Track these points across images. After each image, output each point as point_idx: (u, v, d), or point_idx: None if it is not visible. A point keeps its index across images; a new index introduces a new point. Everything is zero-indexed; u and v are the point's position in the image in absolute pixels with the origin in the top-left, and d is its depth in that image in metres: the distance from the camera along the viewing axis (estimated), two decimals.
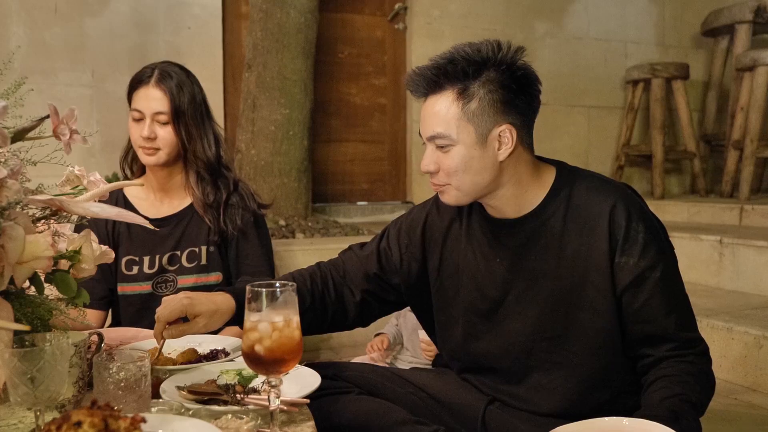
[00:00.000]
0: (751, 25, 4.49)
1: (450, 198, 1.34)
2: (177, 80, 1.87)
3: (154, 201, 1.95)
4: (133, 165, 1.98)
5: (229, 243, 1.94)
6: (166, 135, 1.84)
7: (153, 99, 1.83)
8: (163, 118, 1.84)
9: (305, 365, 1.31)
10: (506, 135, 1.27)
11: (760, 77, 4.02)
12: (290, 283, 1.02)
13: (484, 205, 1.39)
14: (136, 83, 1.87)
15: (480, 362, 1.45)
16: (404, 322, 2.67)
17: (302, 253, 3.08)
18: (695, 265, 3.32)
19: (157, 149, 1.84)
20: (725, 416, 2.28)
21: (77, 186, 1.17)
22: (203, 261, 1.92)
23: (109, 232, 1.90)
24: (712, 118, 4.91)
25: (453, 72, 1.26)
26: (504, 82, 1.26)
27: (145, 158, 1.86)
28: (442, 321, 1.51)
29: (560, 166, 1.39)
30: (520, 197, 1.34)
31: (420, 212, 1.53)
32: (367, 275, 1.52)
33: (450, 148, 1.28)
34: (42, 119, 1.10)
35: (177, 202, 1.94)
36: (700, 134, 4.90)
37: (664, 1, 5.02)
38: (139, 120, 1.85)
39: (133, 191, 1.96)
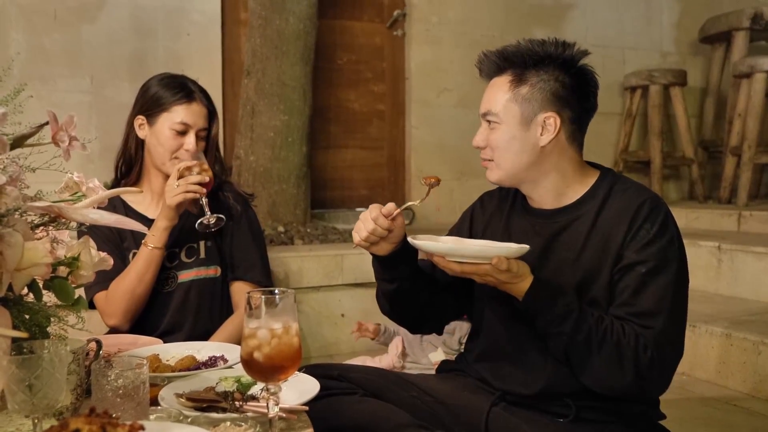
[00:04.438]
0: (749, 32, 4.51)
1: (492, 175, 1.45)
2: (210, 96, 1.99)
3: (150, 203, 1.98)
4: (122, 168, 2.00)
5: (224, 236, 1.97)
6: (202, 148, 1.94)
7: (202, 116, 1.93)
8: (204, 133, 1.94)
9: (306, 368, 1.32)
10: (550, 122, 1.38)
11: (757, 84, 4.03)
12: (289, 290, 1.02)
13: (527, 196, 1.48)
14: (179, 96, 1.91)
15: (496, 348, 1.49)
16: (405, 331, 2.67)
17: (301, 259, 3.08)
18: (693, 271, 3.29)
19: None
20: (724, 423, 2.28)
21: (76, 192, 1.17)
22: (202, 255, 1.97)
23: (112, 229, 1.93)
24: (710, 125, 4.92)
25: (513, 58, 1.40)
26: (559, 76, 1.39)
27: (171, 168, 1.90)
28: (478, 312, 1.56)
29: (605, 170, 1.48)
30: (562, 190, 1.44)
31: (467, 212, 1.64)
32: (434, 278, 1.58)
33: (496, 126, 1.40)
34: (41, 126, 1.10)
35: None
36: (698, 140, 4.91)
37: (661, 7, 5.04)
38: (183, 133, 1.90)
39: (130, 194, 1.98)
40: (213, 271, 1.97)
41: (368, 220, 1.38)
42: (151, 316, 1.92)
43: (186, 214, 1.94)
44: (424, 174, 4.27)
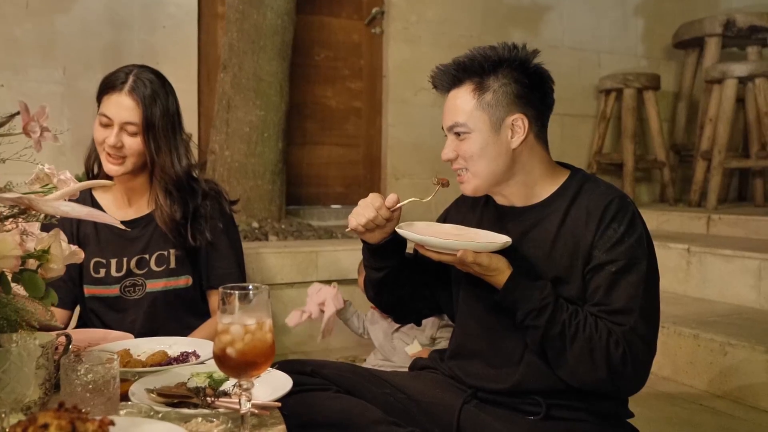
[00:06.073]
0: (721, 39, 4.58)
1: (468, 186, 1.45)
2: (151, 90, 1.80)
3: (121, 204, 1.92)
4: (94, 166, 1.92)
5: (199, 250, 1.91)
6: (133, 145, 1.80)
7: (124, 108, 1.78)
8: (132, 128, 1.79)
9: (280, 363, 1.31)
10: (518, 123, 1.40)
11: (728, 89, 4.10)
12: (263, 286, 1.02)
13: (494, 195, 1.50)
14: (107, 87, 1.81)
15: (468, 345, 1.51)
16: (375, 329, 2.68)
17: (275, 255, 3.07)
18: (663, 273, 3.33)
19: (123, 158, 1.80)
20: (690, 422, 2.32)
21: (47, 184, 1.15)
22: (172, 264, 1.89)
23: (73, 234, 1.86)
24: (682, 129, 5.00)
25: (471, 67, 1.41)
26: (518, 78, 1.40)
27: (108, 166, 1.81)
28: (455, 310, 1.59)
29: (576, 170, 1.50)
30: (529, 189, 1.46)
31: (442, 214, 1.67)
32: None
33: (466, 135, 1.41)
34: (12, 116, 1.08)
35: (144, 205, 1.91)
36: (670, 144, 4.98)
37: (637, 13, 5.11)
38: (107, 126, 1.79)
39: (100, 193, 1.92)
40: (184, 282, 1.91)
41: (369, 207, 1.41)
42: (120, 322, 1.87)
43: (155, 222, 1.89)
44: (400, 172, 4.30)
